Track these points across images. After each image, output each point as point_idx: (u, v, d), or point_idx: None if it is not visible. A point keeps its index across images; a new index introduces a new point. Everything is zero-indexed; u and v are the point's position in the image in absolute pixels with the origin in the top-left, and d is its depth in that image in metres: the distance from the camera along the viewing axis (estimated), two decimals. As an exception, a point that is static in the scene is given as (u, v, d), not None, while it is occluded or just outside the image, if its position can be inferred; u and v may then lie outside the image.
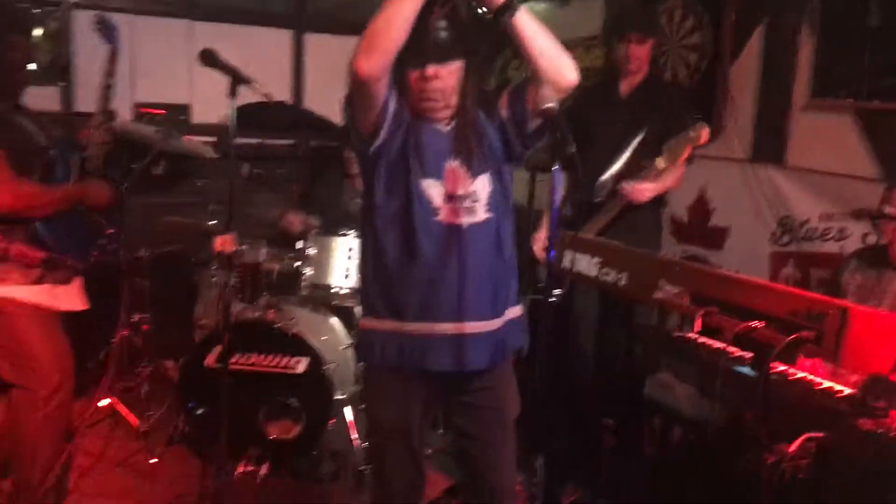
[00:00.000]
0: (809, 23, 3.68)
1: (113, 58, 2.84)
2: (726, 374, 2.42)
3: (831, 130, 3.63)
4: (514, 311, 2.30)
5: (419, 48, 2.03)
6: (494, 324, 2.22)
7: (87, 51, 4.53)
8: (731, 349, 2.49)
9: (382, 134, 2.13)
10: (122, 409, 3.65)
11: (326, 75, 5.22)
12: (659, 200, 3.58)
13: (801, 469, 2.11)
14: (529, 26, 2.03)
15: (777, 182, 3.88)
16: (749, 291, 2.35)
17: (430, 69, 2.07)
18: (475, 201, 2.17)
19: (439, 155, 2.16)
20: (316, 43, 5.22)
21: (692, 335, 2.57)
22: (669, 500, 2.70)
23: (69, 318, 2.77)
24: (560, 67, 2.06)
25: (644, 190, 3.39)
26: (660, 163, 3.37)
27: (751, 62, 4.01)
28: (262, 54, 4.69)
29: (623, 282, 2.76)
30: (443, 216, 2.15)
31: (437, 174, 2.15)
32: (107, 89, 2.86)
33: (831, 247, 3.62)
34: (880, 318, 2.23)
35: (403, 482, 2.31)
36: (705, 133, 3.33)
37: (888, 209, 2.66)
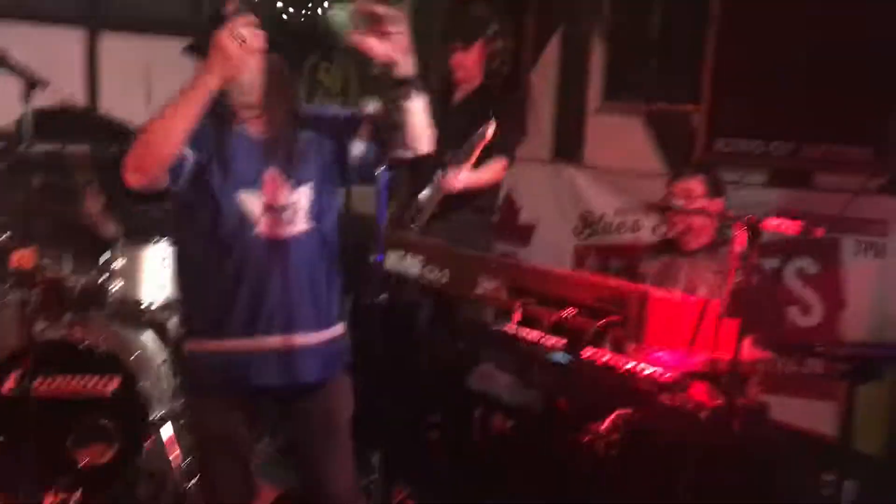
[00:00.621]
0: (600, 31, 3.97)
1: None
2: (542, 362, 2.57)
3: (623, 131, 3.94)
4: (341, 326, 2.29)
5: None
6: (323, 335, 2.21)
7: None
8: (547, 338, 2.65)
9: (182, 178, 2.03)
10: None
11: (123, 76, 4.97)
12: (483, 206, 3.56)
13: (612, 445, 2.29)
14: (420, 103, 2.03)
15: (576, 180, 4.16)
16: (560, 282, 2.51)
17: None
18: (296, 212, 2.12)
19: (254, 164, 2.10)
20: (111, 43, 4.93)
21: (511, 327, 2.70)
22: (495, 486, 2.82)
23: None
24: (424, 141, 2.09)
25: (456, 179, 3.29)
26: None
27: (549, 67, 4.27)
28: (52, 55, 4.37)
29: (445, 279, 2.85)
30: (262, 228, 2.10)
31: (254, 184, 2.10)
32: None
33: (627, 238, 3.93)
34: (675, 299, 2.47)
35: (233, 495, 2.26)
36: (490, 130, 3.23)
37: (674, 201, 2.92)
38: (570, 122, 4.19)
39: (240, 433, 2.23)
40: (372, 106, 2.20)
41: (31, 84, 2.45)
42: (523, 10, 4.29)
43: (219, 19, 1.91)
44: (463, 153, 3.30)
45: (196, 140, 2.00)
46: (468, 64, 3.54)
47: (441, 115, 3.61)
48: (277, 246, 2.10)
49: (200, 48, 2.02)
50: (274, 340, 2.13)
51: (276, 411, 2.32)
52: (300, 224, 2.13)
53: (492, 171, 3.46)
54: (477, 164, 3.33)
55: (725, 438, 2.17)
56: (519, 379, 2.64)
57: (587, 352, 2.53)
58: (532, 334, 2.67)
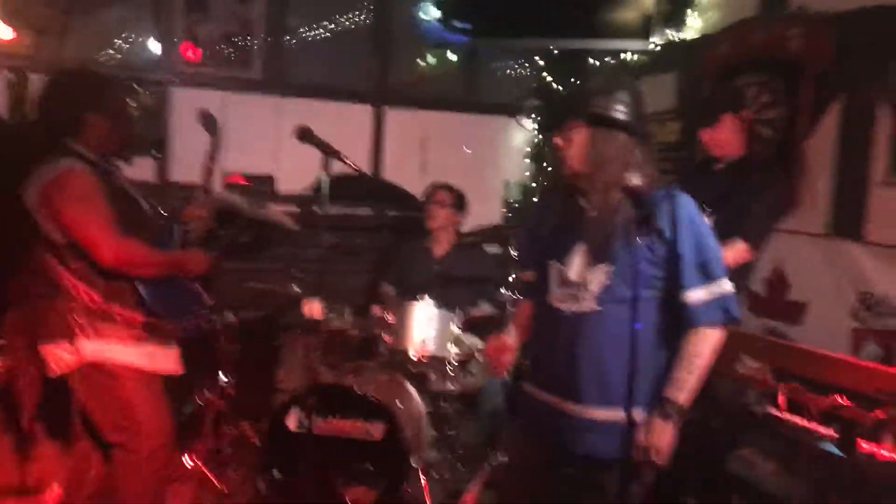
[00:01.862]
0: (888, 99, 3.69)
1: (215, 147, 3.02)
2: (811, 452, 2.40)
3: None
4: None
5: None
6: (601, 413, 2.28)
7: (182, 126, 4.84)
8: (816, 427, 2.47)
9: None
10: (206, 471, 3.75)
11: (404, 147, 5.44)
12: (736, 283, 3.39)
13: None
14: None
15: (857, 257, 3.84)
16: (834, 368, 2.34)
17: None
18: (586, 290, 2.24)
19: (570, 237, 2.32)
20: (395, 117, 5.43)
21: (776, 411, 2.56)
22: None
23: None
24: None
25: None
26: None
27: (828, 137, 4.01)
28: (344, 128, 4.91)
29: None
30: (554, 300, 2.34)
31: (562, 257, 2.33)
32: (209, 173, 3.03)
33: (916, 323, 3.54)
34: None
35: None
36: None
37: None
38: (851, 194, 3.90)
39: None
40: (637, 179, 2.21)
41: (330, 155, 2.77)
42: (799, 76, 4.10)
43: None
44: None
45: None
46: (718, 140, 3.51)
47: (699, 184, 3.59)
48: (567, 319, 2.26)
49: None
50: (566, 404, 2.28)
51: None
52: (588, 304, 2.22)
53: (729, 255, 3.21)
54: None
55: None
56: (784, 468, 2.49)
57: (865, 445, 2.33)
58: (800, 421, 2.52)
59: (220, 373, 3.82)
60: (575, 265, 2.24)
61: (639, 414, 2.18)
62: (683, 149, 4.07)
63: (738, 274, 3.41)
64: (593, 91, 2.28)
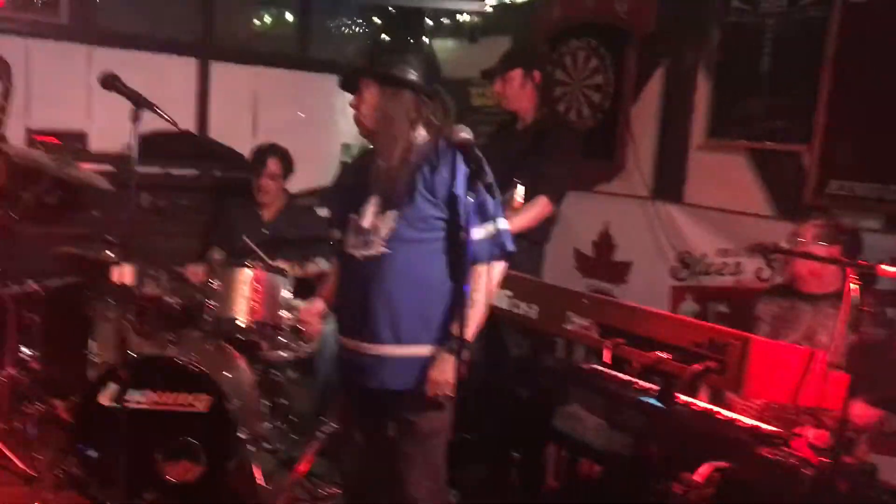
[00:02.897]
0: (706, 66, 3.86)
1: (6, 94, 2.71)
2: (633, 406, 2.46)
3: (726, 169, 3.79)
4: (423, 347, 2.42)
5: None
6: (399, 350, 2.41)
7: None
8: (639, 381, 2.54)
9: None
10: (9, 453, 3.42)
11: (232, 105, 5.15)
12: (536, 237, 3.53)
13: (706, 498, 2.16)
14: None
15: (676, 218, 4.03)
16: (655, 323, 2.41)
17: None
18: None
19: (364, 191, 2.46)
20: (222, 72, 5.13)
21: (601, 367, 2.61)
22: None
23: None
24: None
25: None
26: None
27: (651, 103, 4.17)
28: (167, 83, 4.57)
29: (534, 314, 2.79)
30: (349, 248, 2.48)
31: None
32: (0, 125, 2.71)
33: (727, 281, 3.76)
34: (780, 348, 2.33)
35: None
36: (519, 196, 3.32)
37: (796, 242, 2.74)
38: (672, 158, 4.07)
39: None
40: (464, 132, 2.19)
41: (140, 106, 2.52)
42: (624, 43, 4.23)
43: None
44: None
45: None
46: (509, 93, 3.59)
47: (505, 143, 3.64)
48: (360, 264, 2.39)
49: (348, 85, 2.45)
50: (362, 346, 2.42)
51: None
52: (376, 248, 2.35)
53: (535, 210, 3.41)
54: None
55: (830, 498, 2.01)
56: (608, 422, 2.55)
57: (682, 397, 2.42)
58: (624, 376, 2.58)
59: (21, 346, 3.48)
60: (368, 214, 2.39)
61: (427, 349, 2.36)
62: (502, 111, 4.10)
63: (542, 225, 3.53)
64: (381, 50, 2.62)
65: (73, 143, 4.51)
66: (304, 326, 2.74)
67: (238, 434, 3.23)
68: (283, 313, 3.55)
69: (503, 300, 2.92)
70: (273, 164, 4.09)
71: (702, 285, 3.87)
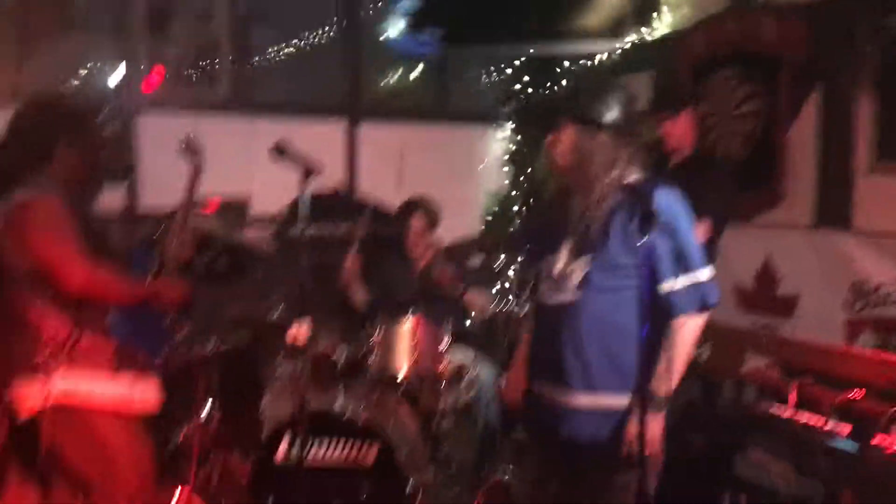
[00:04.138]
0: (866, 86, 3.66)
1: (196, 176, 2.91)
2: (823, 450, 2.32)
3: (899, 193, 3.56)
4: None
5: None
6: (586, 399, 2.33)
7: (150, 152, 4.71)
8: (827, 423, 2.39)
9: None
10: (195, 505, 3.60)
11: (379, 161, 5.34)
12: None
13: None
14: None
15: (845, 247, 3.80)
16: (845, 361, 2.27)
17: None
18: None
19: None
20: (368, 130, 5.35)
21: (784, 410, 2.48)
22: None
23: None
24: None
25: None
26: None
27: (808, 129, 3.98)
28: (318, 144, 4.80)
29: (705, 355, 2.69)
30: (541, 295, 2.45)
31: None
32: (188, 203, 2.91)
33: (910, 311, 3.50)
34: None
35: None
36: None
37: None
38: (835, 184, 3.86)
39: None
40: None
41: (309, 172, 2.66)
42: (774, 70, 4.07)
43: None
44: None
45: None
46: (677, 133, 3.54)
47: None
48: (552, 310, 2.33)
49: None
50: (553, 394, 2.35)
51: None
52: (569, 294, 2.29)
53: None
54: None
55: None
56: (795, 468, 2.40)
57: (879, 439, 2.26)
58: (811, 418, 2.43)
59: (204, 404, 3.68)
60: (562, 259, 2.32)
61: (619, 399, 2.25)
62: (656, 147, 4.05)
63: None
64: (578, 92, 2.49)
65: (237, 209, 4.82)
66: (506, 397, 2.67)
67: (407, 485, 3.27)
68: (440, 363, 3.59)
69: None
70: (417, 221, 4.18)
71: (881, 317, 3.61)
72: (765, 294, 4.23)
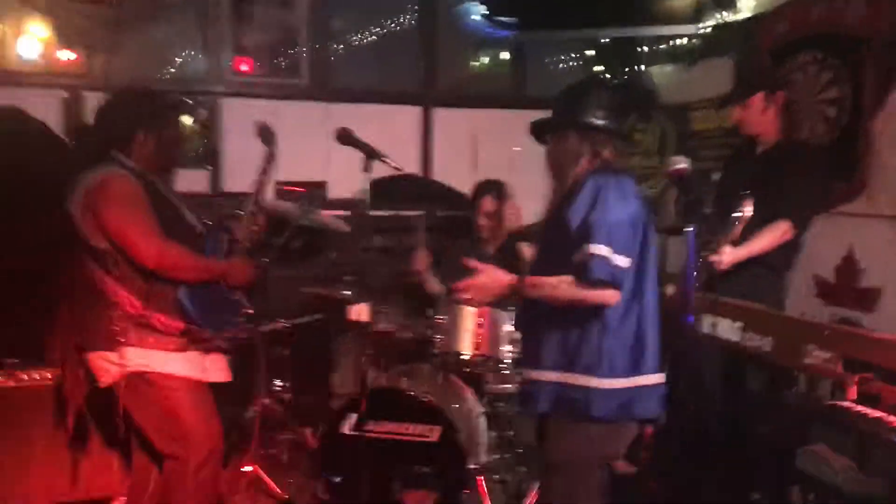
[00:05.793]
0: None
1: (270, 160, 3.02)
2: (887, 446, 2.25)
3: None
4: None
5: None
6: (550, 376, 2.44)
7: (234, 137, 4.88)
8: (892, 418, 2.31)
9: None
10: (265, 477, 3.76)
11: (453, 147, 5.39)
12: (775, 263, 3.38)
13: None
14: None
15: (934, 239, 3.63)
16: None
17: None
18: None
19: None
20: (443, 116, 5.40)
21: (847, 404, 2.41)
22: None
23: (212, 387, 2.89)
24: None
25: (720, 258, 3.04)
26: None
27: (894, 113, 3.81)
28: (394, 130, 4.90)
29: (768, 347, 2.63)
30: None
31: None
32: (260, 186, 3.02)
33: None
34: None
35: None
36: (748, 209, 2.94)
37: None
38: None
39: None
40: (681, 163, 2.13)
41: (371, 157, 2.74)
42: (860, 52, 3.91)
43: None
44: (724, 231, 3.02)
45: None
46: (750, 119, 3.50)
47: (741, 168, 3.48)
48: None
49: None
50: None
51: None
52: None
53: (771, 234, 3.27)
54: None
55: None
56: (858, 463, 2.34)
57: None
58: (875, 413, 2.36)
59: (275, 379, 3.83)
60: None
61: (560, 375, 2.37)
62: (739, 134, 3.96)
63: (783, 252, 3.40)
64: (558, 100, 2.67)
65: (314, 192, 4.95)
66: None
67: (467, 464, 3.32)
68: (505, 346, 3.62)
69: (734, 332, 2.78)
70: (488, 203, 4.20)
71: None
72: (846, 286, 4.09)
